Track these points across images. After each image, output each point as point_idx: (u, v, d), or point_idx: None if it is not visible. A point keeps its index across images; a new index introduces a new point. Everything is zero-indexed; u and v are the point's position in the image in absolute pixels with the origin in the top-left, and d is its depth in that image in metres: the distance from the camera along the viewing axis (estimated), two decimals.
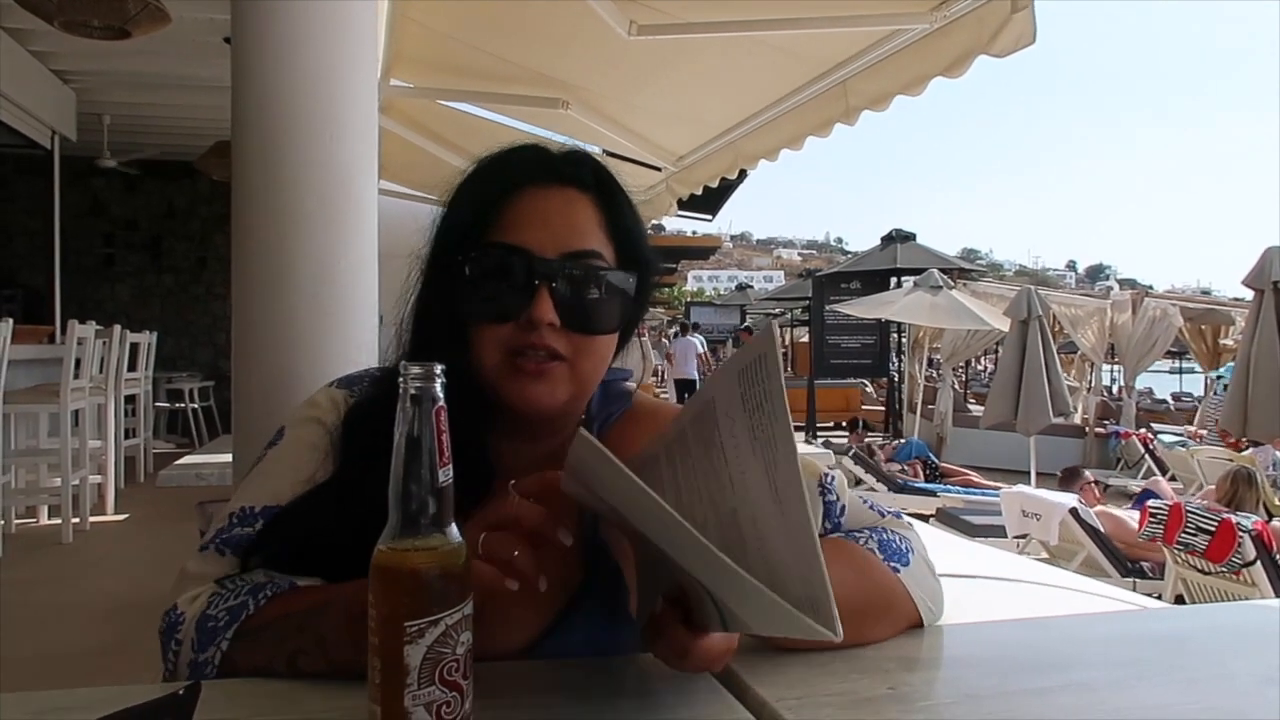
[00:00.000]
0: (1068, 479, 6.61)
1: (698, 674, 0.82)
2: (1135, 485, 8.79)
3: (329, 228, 2.09)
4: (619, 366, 1.06)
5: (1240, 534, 4.20)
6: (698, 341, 15.91)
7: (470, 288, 0.92)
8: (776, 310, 25.03)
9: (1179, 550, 4.50)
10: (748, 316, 24.13)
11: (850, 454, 8.89)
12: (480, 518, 0.74)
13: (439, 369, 0.63)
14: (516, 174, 0.96)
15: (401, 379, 0.62)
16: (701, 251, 28.84)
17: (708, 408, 0.71)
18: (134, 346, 6.86)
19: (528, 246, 0.91)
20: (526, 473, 0.78)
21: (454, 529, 0.64)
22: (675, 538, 0.60)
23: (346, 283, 2.11)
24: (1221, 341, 12.97)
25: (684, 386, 14.81)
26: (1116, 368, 14.73)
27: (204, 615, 0.85)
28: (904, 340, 13.87)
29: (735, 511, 0.67)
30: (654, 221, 6.77)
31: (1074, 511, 5.34)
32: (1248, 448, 8.36)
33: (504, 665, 0.85)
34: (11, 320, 4.81)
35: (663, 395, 14.03)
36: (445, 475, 0.63)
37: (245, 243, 2.13)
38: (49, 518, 5.61)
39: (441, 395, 0.63)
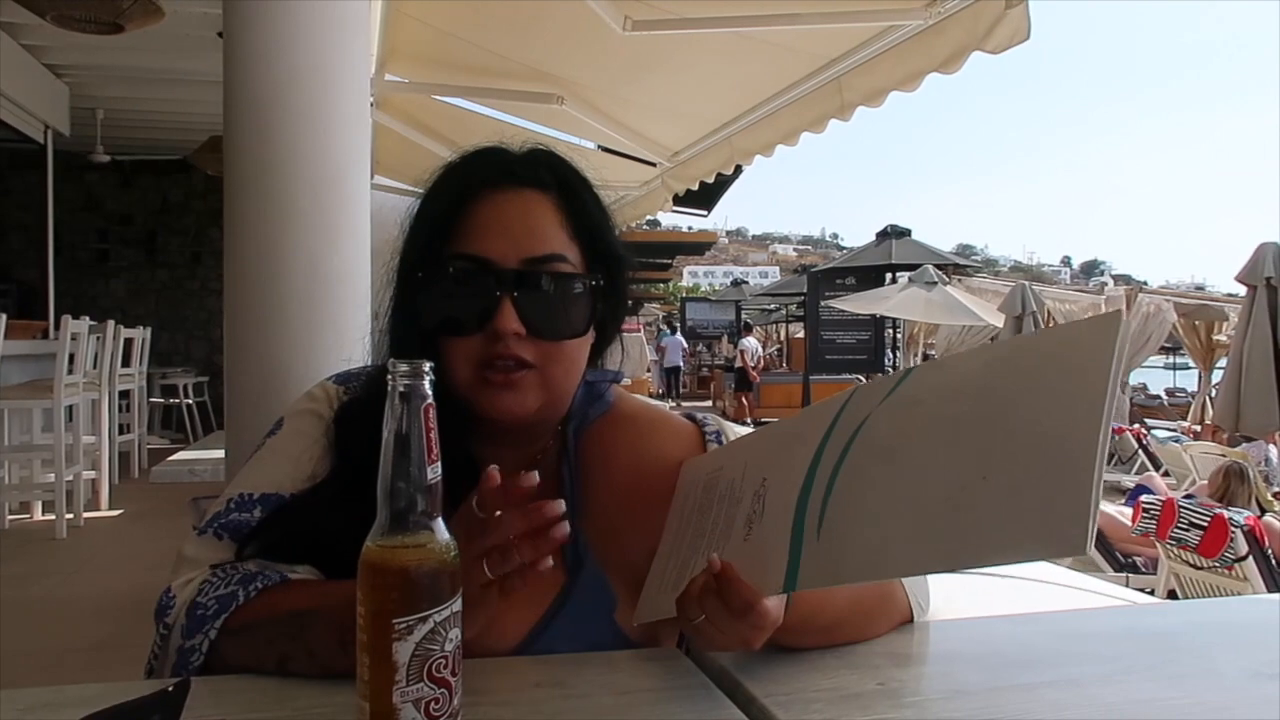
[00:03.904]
0: None
1: (694, 672, 0.82)
2: (1129, 480, 8.80)
3: (321, 223, 2.09)
4: (609, 368, 1.06)
5: (1233, 529, 4.20)
6: (681, 339, 21.00)
7: (434, 301, 0.91)
8: (771, 306, 25.01)
9: (1172, 545, 4.51)
10: (743, 312, 24.13)
11: None
12: (463, 522, 0.73)
13: (427, 366, 0.63)
14: (472, 180, 0.94)
15: (390, 377, 0.62)
16: (697, 247, 28.77)
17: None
18: (128, 342, 6.83)
19: (488, 256, 0.90)
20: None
21: (442, 526, 0.64)
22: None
23: (339, 278, 2.11)
24: (1215, 337, 12.98)
25: (671, 374, 19.69)
26: None
27: (194, 602, 0.85)
28: (899, 336, 13.89)
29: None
30: (649, 217, 6.77)
31: None
32: (1240, 443, 8.38)
33: (493, 661, 0.85)
34: (5, 315, 4.80)
35: (649, 376, 16.90)
36: (434, 472, 0.63)
37: (237, 238, 2.13)
38: (43, 513, 5.59)
39: (430, 392, 0.63)
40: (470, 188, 0.93)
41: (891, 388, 0.73)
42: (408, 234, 0.96)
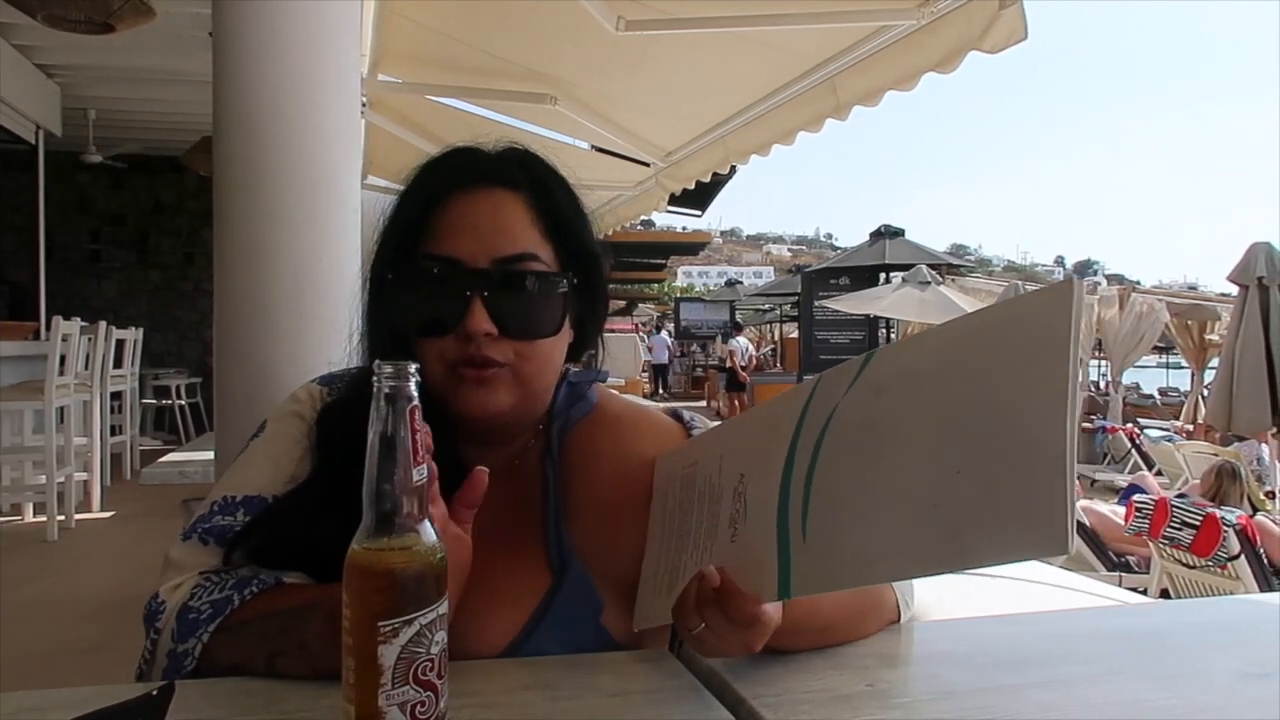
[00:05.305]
0: None
1: (683, 673, 0.82)
2: (1122, 480, 8.83)
3: (311, 225, 2.08)
4: (598, 368, 1.05)
5: (1225, 528, 4.21)
6: (666, 337, 23.27)
7: (406, 302, 0.90)
8: (765, 306, 25.03)
9: (1164, 544, 4.53)
10: (737, 312, 24.19)
11: None
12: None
13: (413, 367, 0.63)
14: (444, 181, 0.93)
15: (375, 378, 0.62)
16: (691, 247, 28.75)
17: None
18: (120, 343, 6.82)
19: (458, 256, 0.89)
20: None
21: (428, 528, 0.64)
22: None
23: (329, 279, 2.09)
24: (1208, 337, 13.02)
25: (659, 370, 21.71)
26: (1103, 363, 14.80)
27: (185, 606, 0.85)
28: (893, 336, 13.88)
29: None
30: (643, 217, 6.76)
31: None
32: (1232, 443, 8.41)
33: (480, 664, 0.85)
34: None
35: (644, 378, 17.70)
36: (419, 474, 0.62)
37: (227, 240, 2.12)
38: (34, 515, 5.58)
39: (415, 394, 0.63)
40: (441, 188, 0.93)
41: (855, 374, 0.71)
42: (380, 235, 0.95)
